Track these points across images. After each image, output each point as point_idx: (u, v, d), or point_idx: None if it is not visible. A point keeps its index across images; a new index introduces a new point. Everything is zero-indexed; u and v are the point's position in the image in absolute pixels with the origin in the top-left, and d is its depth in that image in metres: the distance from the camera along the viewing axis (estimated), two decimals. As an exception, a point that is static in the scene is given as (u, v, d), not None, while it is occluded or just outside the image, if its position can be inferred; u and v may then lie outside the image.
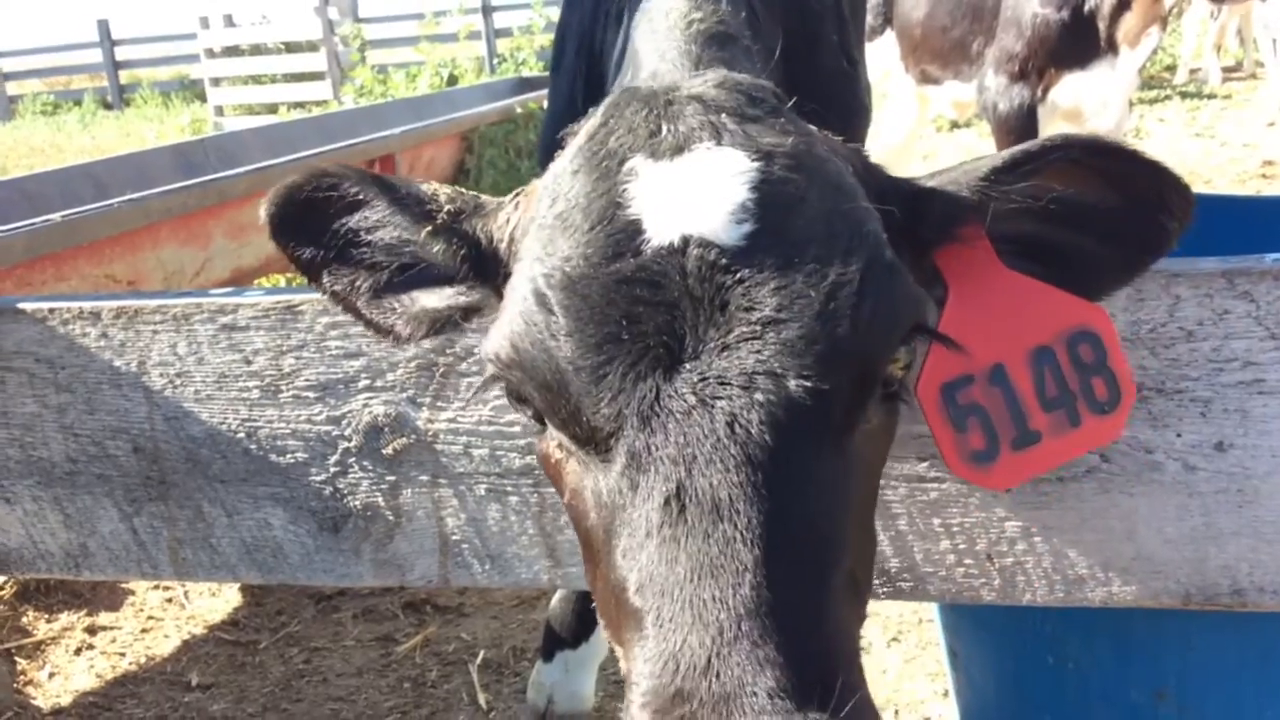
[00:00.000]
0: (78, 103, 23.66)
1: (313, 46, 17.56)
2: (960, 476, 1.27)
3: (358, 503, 1.62)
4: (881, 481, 1.46)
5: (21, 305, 1.66)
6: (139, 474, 1.68)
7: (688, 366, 0.98)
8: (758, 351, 0.97)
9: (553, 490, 1.56)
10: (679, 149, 1.07)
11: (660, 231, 1.01)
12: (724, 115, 1.10)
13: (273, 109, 17.42)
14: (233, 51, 18.20)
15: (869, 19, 4.84)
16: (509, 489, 1.58)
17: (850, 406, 1.02)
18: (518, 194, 1.27)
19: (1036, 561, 1.45)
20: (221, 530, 1.67)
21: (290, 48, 18.09)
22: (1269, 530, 1.37)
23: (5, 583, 3.62)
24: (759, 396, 0.95)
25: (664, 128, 1.09)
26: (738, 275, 0.99)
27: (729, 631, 0.87)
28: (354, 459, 1.61)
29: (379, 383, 1.58)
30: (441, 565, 1.62)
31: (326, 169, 1.30)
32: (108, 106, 23.80)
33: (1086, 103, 4.34)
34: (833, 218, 1.05)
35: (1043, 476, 1.41)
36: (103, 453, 1.68)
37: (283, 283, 5.89)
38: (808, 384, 0.96)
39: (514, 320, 1.06)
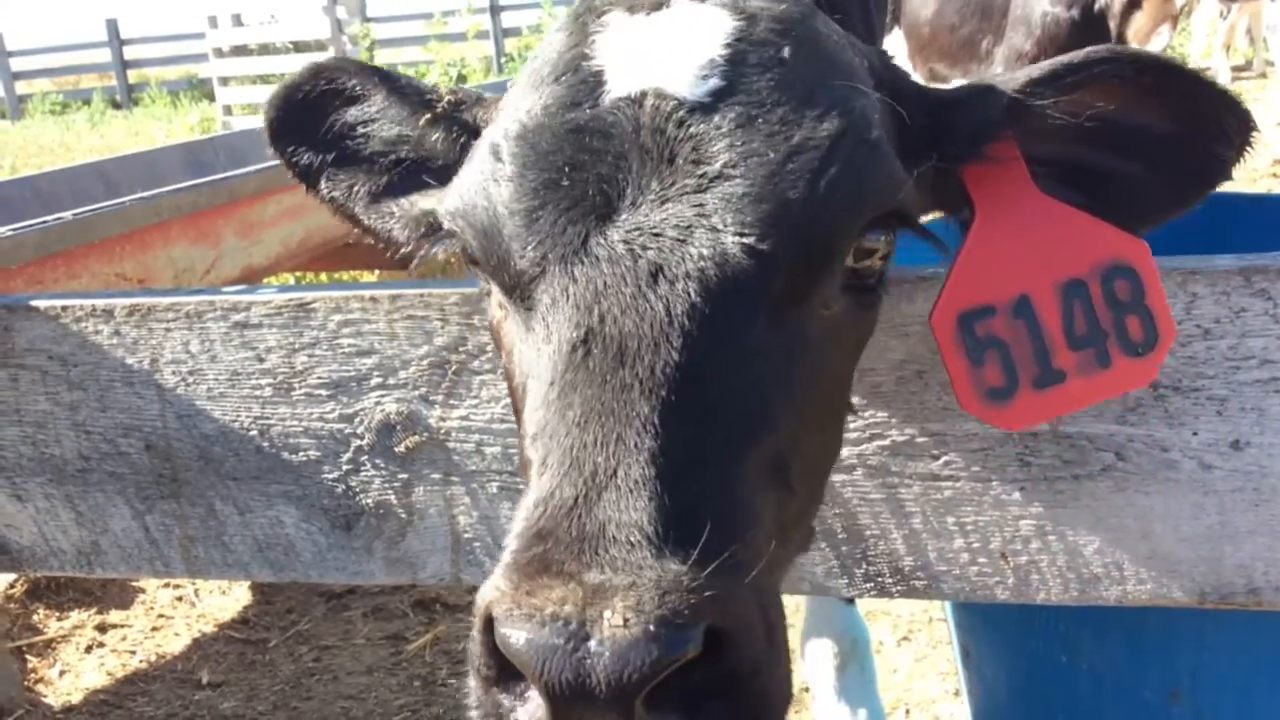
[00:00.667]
0: (86, 102, 23.74)
1: (321, 46, 17.60)
2: (972, 414, 1.18)
3: (370, 501, 1.62)
4: (895, 479, 1.46)
5: (34, 303, 1.66)
6: (151, 472, 1.68)
7: (624, 216, 0.93)
8: (699, 205, 0.91)
9: (565, 488, 1.56)
10: (658, 5, 1.03)
11: (622, 83, 0.97)
12: None
13: (281, 108, 17.42)
14: (241, 51, 18.24)
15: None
16: (521, 487, 1.57)
17: (797, 280, 0.95)
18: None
19: (1051, 560, 1.44)
20: (234, 528, 1.68)
21: (299, 47, 18.15)
22: (1286, 529, 1.36)
23: (16, 581, 3.63)
24: (691, 250, 0.90)
25: None
26: (691, 130, 0.95)
27: (603, 475, 0.81)
28: (366, 457, 1.61)
29: (391, 380, 1.58)
30: (453, 563, 1.61)
31: (324, 63, 1.29)
32: (116, 106, 23.89)
33: None
34: (814, 87, 0.98)
35: (1058, 474, 1.41)
36: (115, 450, 1.69)
37: (292, 281, 5.91)
38: (746, 242, 0.90)
39: (468, 172, 1.03)
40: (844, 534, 1.49)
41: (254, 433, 1.63)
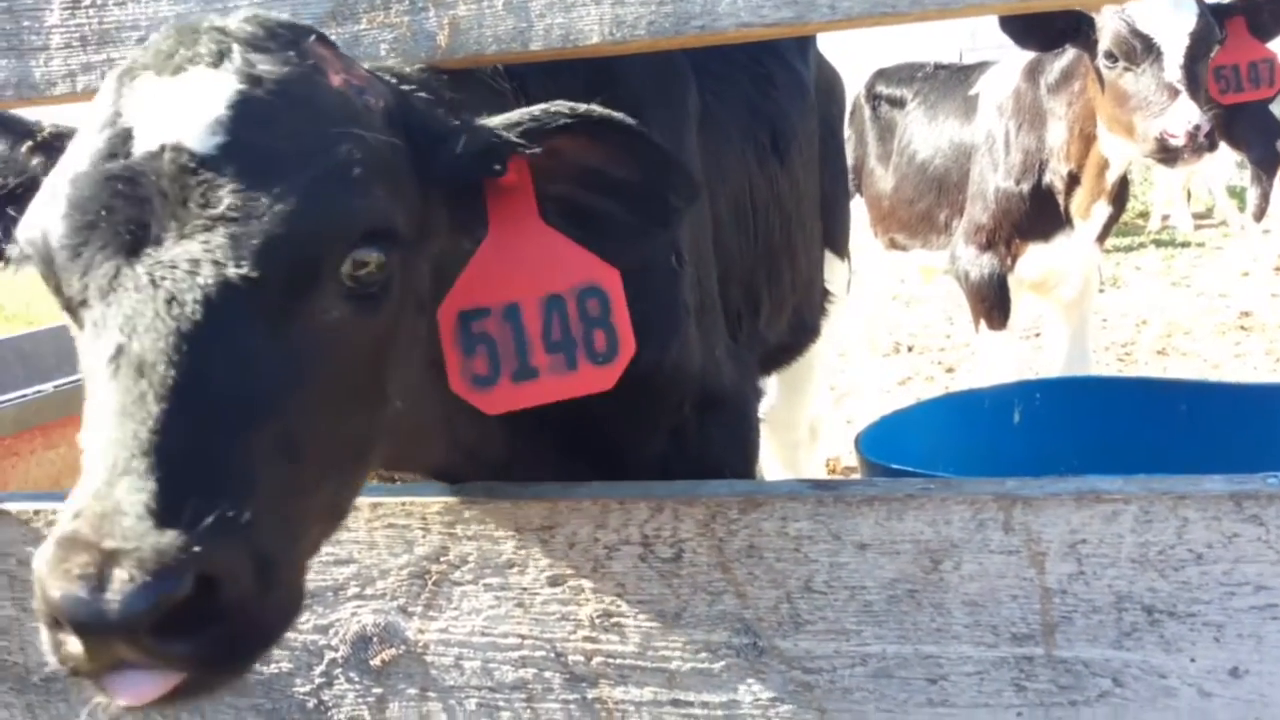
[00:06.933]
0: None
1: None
2: (460, 395, 1.37)
3: (342, 716, 1.56)
4: (891, 703, 1.41)
5: (5, 505, 1.62)
6: (116, 682, 1.62)
7: (149, 252, 1.15)
8: (205, 242, 1.14)
9: (546, 705, 1.51)
10: (179, 69, 1.25)
11: (146, 138, 1.19)
12: (235, 44, 1.27)
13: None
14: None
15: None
16: (501, 703, 1.52)
17: (291, 295, 1.18)
18: None
19: (1052, 790, 1.39)
20: (199, 743, 1.60)
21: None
22: (1291, 762, 1.32)
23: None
24: (199, 280, 1.13)
25: (179, 51, 1.27)
26: (202, 178, 1.17)
27: (120, 465, 1.04)
28: (340, 670, 1.55)
29: (369, 590, 1.54)
30: (428, 786, 1.54)
31: None
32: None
33: (1051, 271, 4.54)
34: (304, 137, 1.23)
35: (1054, 699, 1.37)
36: (80, 659, 1.62)
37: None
38: (242, 271, 1.14)
39: (36, 204, 1.24)
40: (837, 759, 1.43)
41: (225, 643, 1.58)
